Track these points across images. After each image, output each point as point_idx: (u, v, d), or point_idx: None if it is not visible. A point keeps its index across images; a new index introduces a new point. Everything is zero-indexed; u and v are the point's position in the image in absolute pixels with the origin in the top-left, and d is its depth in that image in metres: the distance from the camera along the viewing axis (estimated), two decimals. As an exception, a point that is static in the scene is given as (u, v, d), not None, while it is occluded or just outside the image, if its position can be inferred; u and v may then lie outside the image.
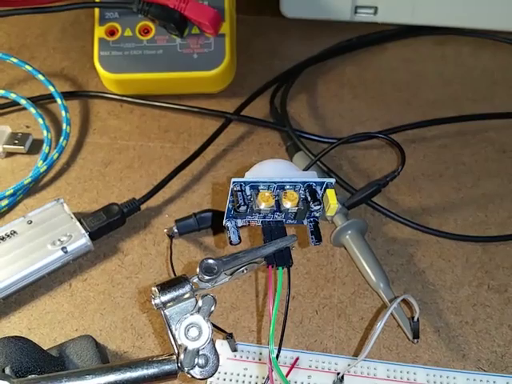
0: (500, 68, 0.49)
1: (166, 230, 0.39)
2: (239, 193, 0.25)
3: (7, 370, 0.25)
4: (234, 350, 0.33)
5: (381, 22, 0.50)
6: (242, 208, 0.25)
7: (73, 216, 0.38)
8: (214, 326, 0.33)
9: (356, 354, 0.34)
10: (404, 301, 0.34)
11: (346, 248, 0.37)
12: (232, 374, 0.32)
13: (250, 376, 0.32)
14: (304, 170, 0.39)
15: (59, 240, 0.37)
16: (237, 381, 0.32)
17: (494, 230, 0.39)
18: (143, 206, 0.40)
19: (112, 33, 0.44)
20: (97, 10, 0.45)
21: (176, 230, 0.38)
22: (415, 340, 0.33)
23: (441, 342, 0.34)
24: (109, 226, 0.38)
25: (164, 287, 0.25)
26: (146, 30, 0.44)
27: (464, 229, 0.39)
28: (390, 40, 0.51)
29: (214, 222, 0.38)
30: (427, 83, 0.48)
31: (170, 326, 0.24)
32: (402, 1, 0.48)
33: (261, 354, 0.33)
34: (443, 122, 0.44)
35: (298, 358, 0.33)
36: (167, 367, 0.24)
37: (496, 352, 0.34)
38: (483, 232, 0.39)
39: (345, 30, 0.50)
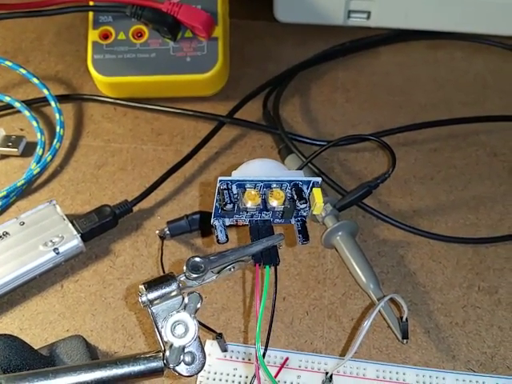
0: (492, 72, 0.49)
1: (157, 232, 0.39)
2: (226, 191, 0.25)
3: (-5, 367, 0.25)
4: (225, 350, 0.33)
5: (374, 27, 0.51)
6: (229, 206, 0.25)
7: (65, 217, 0.38)
8: (204, 326, 0.33)
9: (345, 355, 0.33)
10: (394, 301, 0.35)
11: (337, 249, 0.38)
12: (222, 373, 0.32)
13: (240, 376, 0.32)
14: (295, 171, 0.39)
15: (51, 241, 0.37)
16: (226, 380, 0.32)
17: (484, 231, 0.39)
18: (135, 208, 0.40)
19: (106, 36, 0.45)
20: (91, 14, 0.45)
21: (168, 232, 0.39)
22: (404, 340, 0.33)
23: (431, 342, 0.34)
24: (101, 227, 0.39)
25: (151, 285, 0.25)
26: (139, 34, 0.45)
27: (455, 231, 0.39)
28: (382, 44, 0.51)
29: (202, 223, 0.38)
30: (420, 87, 0.48)
31: (156, 323, 0.24)
32: (394, 5, 0.49)
33: (250, 354, 0.33)
34: (434, 125, 0.44)
35: (287, 358, 0.33)
36: (153, 364, 0.24)
37: (486, 353, 0.34)
38: (474, 234, 0.39)
39: (338, 34, 0.51)
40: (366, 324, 0.28)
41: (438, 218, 0.40)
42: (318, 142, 0.44)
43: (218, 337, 0.32)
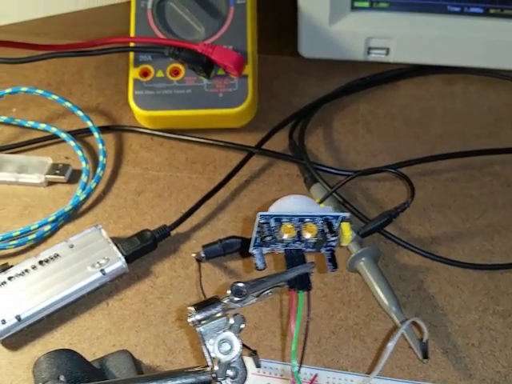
0: (505, 105, 0.52)
1: (194, 255, 0.42)
2: (265, 225, 0.29)
3: (62, 378, 0.28)
4: (258, 366, 0.36)
5: (392, 62, 0.54)
6: (268, 238, 0.28)
7: (110, 241, 0.42)
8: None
9: (370, 373, 0.36)
10: (415, 324, 0.37)
11: (360, 273, 0.40)
12: (255, 388, 0.35)
13: (272, 390, 0.35)
14: (320, 200, 0.43)
15: (98, 263, 0.40)
16: (260, 395, 0.35)
17: (499, 258, 0.42)
18: (173, 232, 0.44)
19: (145, 74, 0.49)
20: (131, 54, 0.49)
21: (203, 255, 0.42)
22: (425, 360, 0.36)
23: (449, 362, 0.37)
24: (142, 250, 0.42)
25: (199, 307, 0.28)
26: (176, 72, 0.48)
27: (471, 257, 0.42)
28: (401, 78, 0.54)
29: (242, 247, 0.41)
30: (436, 119, 0.51)
31: (204, 341, 0.27)
32: (411, 43, 0.52)
33: (282, 370, 0.36)
34: (451, 157, 0.47)
35: (316, 375, 0.36)
36: (203, 377, 0.27)
37: (500, 372, 0.36)
38: (489, 260, 0.42)
39: (359, 69, 0.54)
40: (390, 345, 0.31)
41: (455, 245, 0.42)
42: (341, 172, 0.47)
43: (253, 353, 0.35)
